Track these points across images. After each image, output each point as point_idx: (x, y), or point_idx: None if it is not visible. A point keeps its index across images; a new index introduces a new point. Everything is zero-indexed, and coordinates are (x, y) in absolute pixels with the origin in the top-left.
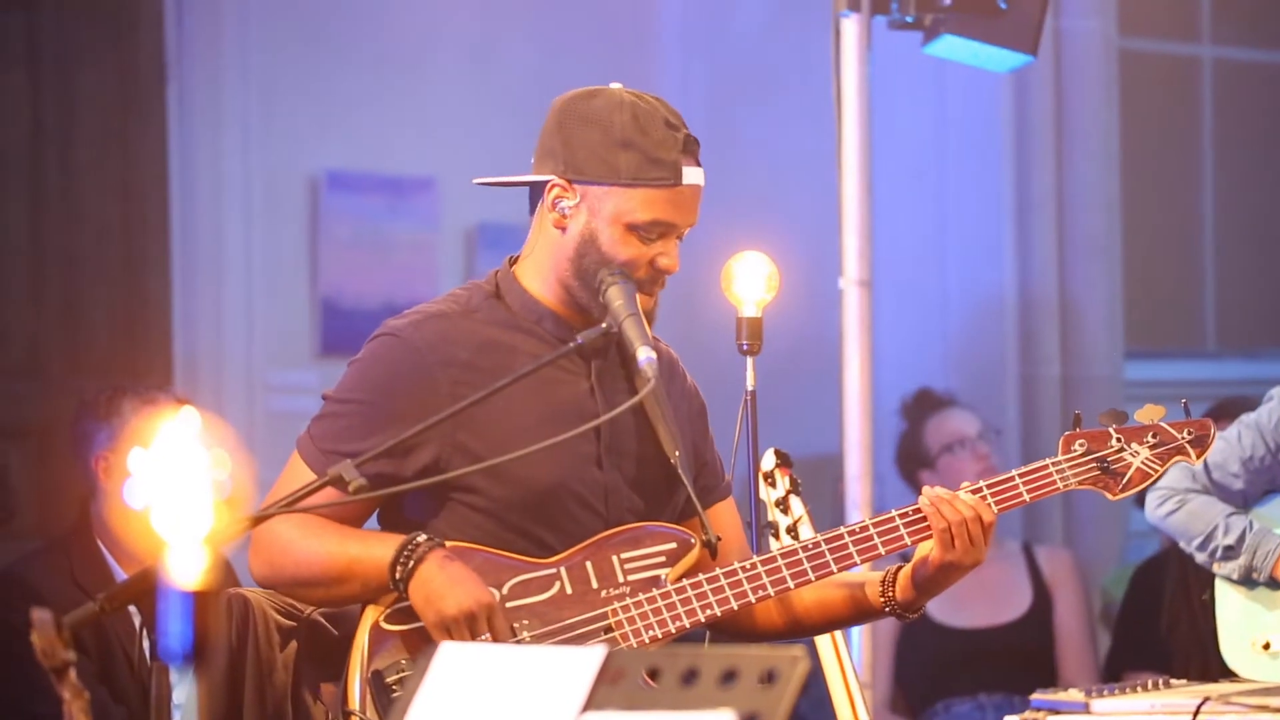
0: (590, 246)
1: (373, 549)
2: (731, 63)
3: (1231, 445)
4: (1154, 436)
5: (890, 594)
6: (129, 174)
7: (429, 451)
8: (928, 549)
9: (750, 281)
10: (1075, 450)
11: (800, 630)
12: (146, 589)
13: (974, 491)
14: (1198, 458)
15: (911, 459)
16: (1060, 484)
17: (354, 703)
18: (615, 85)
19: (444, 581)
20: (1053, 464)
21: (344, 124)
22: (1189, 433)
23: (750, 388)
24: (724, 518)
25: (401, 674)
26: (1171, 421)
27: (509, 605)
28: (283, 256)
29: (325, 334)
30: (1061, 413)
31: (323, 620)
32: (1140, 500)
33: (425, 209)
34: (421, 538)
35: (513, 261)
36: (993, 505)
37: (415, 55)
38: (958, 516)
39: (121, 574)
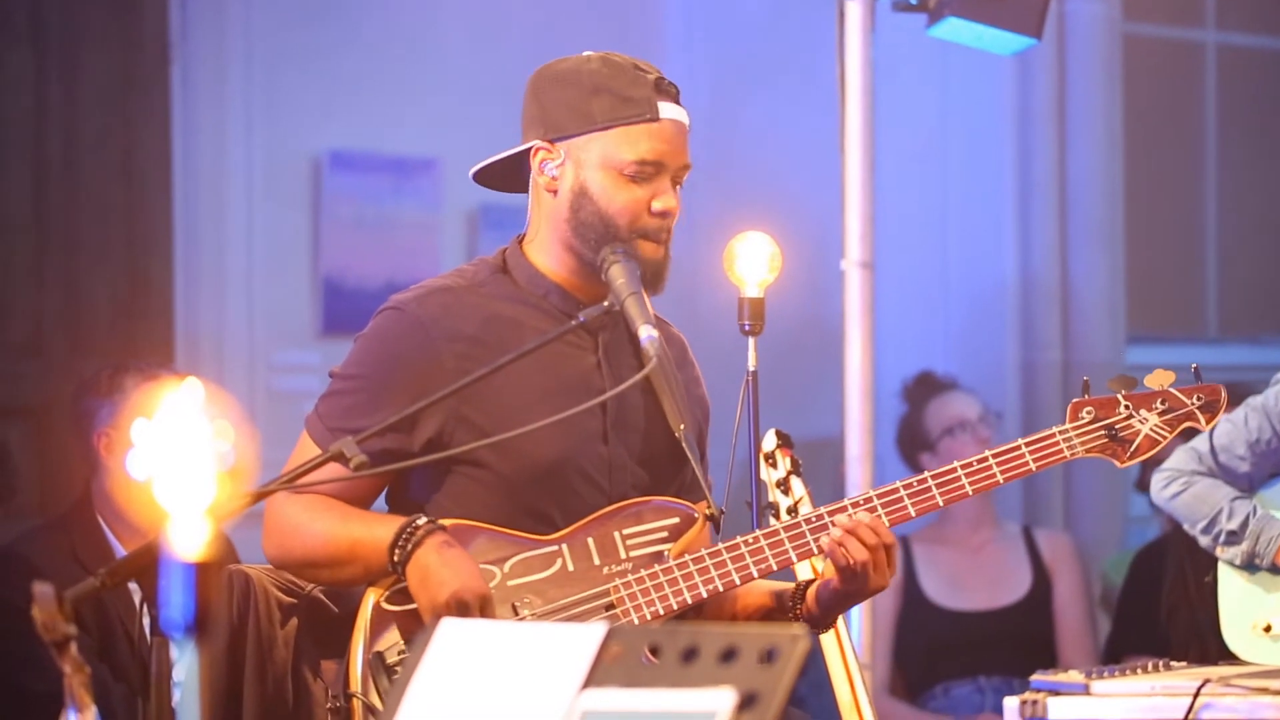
0: (583, 199)
1: (374, 531)
2: (736, 44)
3: (1238, 428)
4: (1163, 403)
5: (798, 610)
6: (131, 153)
7: (432, 424)
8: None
9: (753, 262)
10: (1083, 418)
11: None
12: (147, 564)
13: (867, 506)
14: (1207, 424)
15: (912, 441)
16: (1067, 452)
17: (356, 684)
18: (586, 53)
19: (440, 567)
20: (1060, 432)
21: (347, 104)
22: (1199, 398)
23: (752, 368)
24: (701, 504)
25: (403, 655)
26: (1181, 387)
27: (510, 584)
28: (285, 236)
29: (327, 314)
30: (1062, 398)
31: (323, 598)
32: (1143, 483)
33: (428, 189)
34: (421, 520)
35: (521, 240)
36: (885, 521)
37: (418, 36)
38: (863, 554)
39: (122, 551)
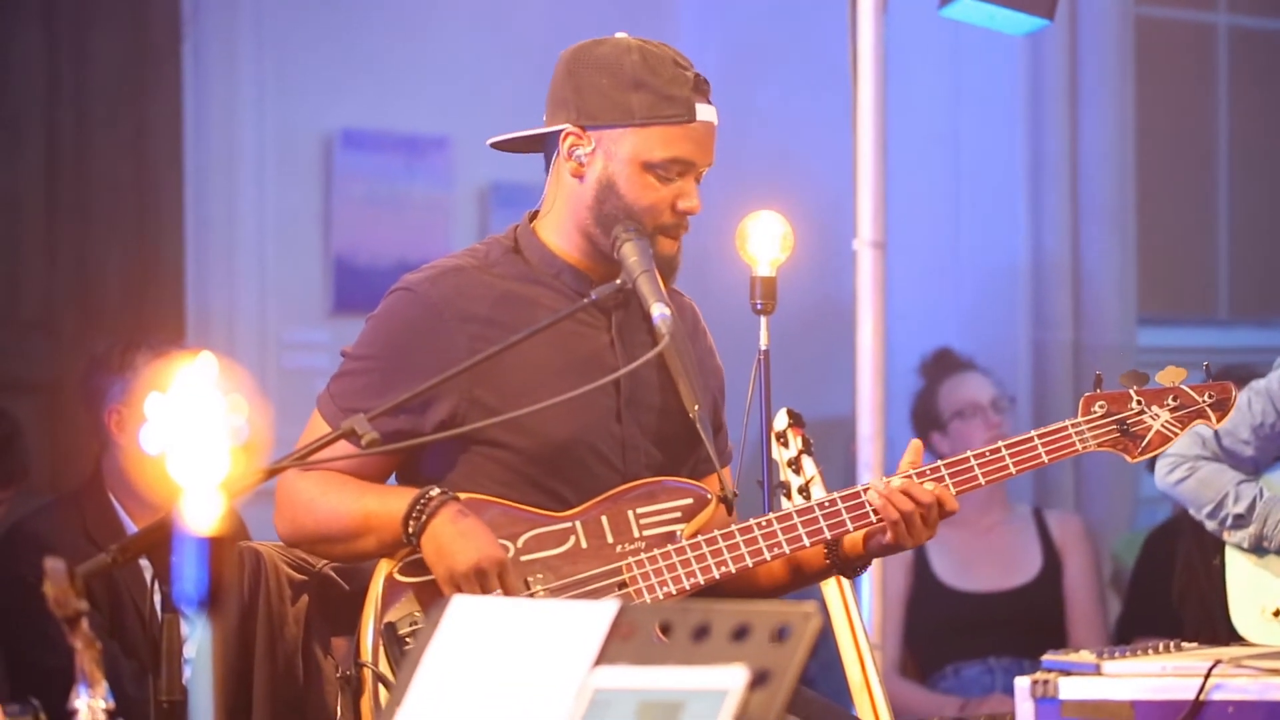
0: (609, 192)
1: (388, 503)
2: (748, 23)
3: (1242, 412)
4: (1174, 399)
5: (835, 554)
6: (143, 132)
7: (446, 405)
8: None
9: (765, 241)
10: (1095, 412)
11: (757, 593)
12: (159, 540)
13: (934, 476)
14: (1218, 421)
15: (925, 419)
16: (1079, 445)
17: (367, 654)
18: (620, 34)
19: (456, 536)
20: (1072, 425)
21: (358, 82)
22: (1210, 396)
23: (764, 347)
24: (714, 485)
25: (415, 626)
26: (1192, 384)
27: (523, 559)
28: (296, 215)
29: (338, 292)
30: (1073, 379)
31: (334, 575)
32: (1151, 466)
33: (439, 168)
34: (435, 491)
35: (532, 217)
36: (953, 489)
37: (430, 14)
38: (909, 507)
39: (133, 528)
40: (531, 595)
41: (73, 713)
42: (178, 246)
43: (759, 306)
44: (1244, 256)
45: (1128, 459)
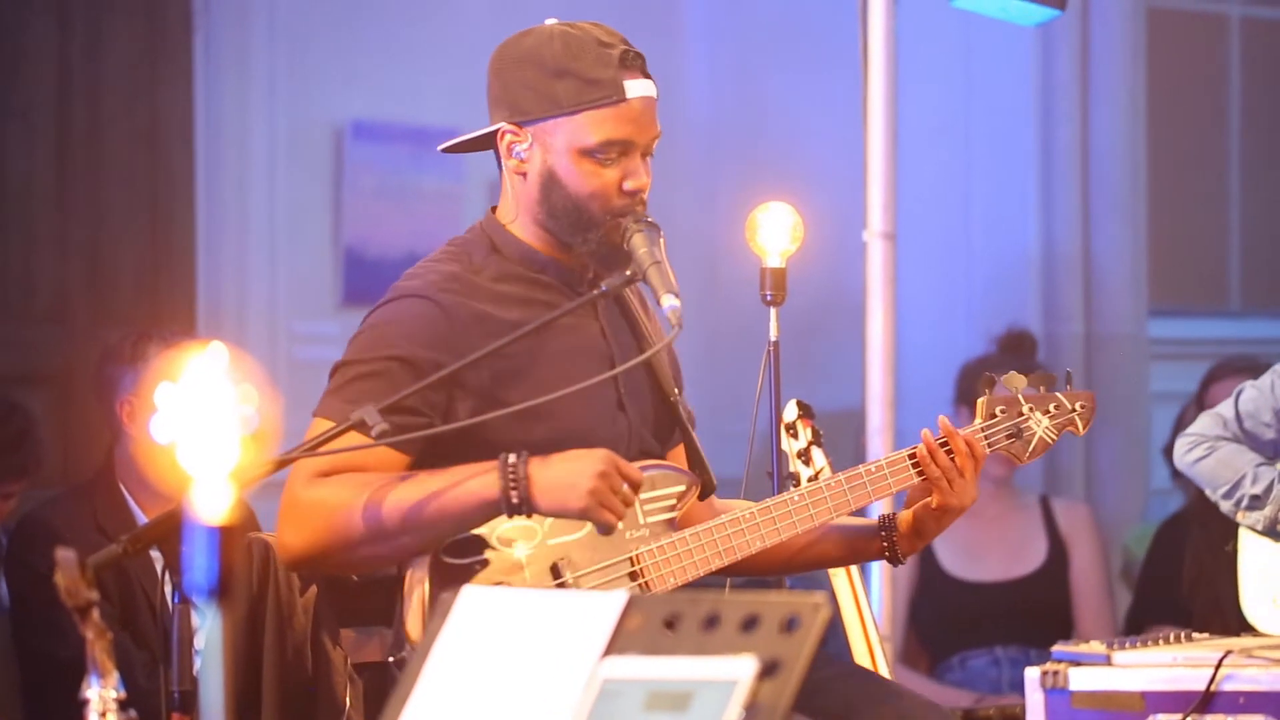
0: (553, 184)
1: (464, 484)
2: (759, 14)
3: (1264, 394)
4: (1054, 406)
5: (890, 540)
6: (155, 123)
7: (464, 409)
8: (919, 497)
9: (775, 232)
10: (996, 415)
11: (789, 569)
12: (170, 531)
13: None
14: (1084, 429)
15: (968, 389)
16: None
17: (418, 636)
18: (550, 21)
19: (560, 470)
20: (981, 429)
21: (369, 74)
22: (1080, 405)
23: (773, 338)
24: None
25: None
26: (1066, 393)
27: (550, 543)
28: (307, 206)
29: (348, 284)
30: (1084, 371)
31: None
32: (1168, 453)
33: (449, 160)
34: (512, 458)
35: (495, 213)
36: (984, 443)
37: (441, 5)
38: (945, 462)
39: (144, 519)
40: (562, 584)
41: (84, 703)
42: (189, 238)
43: (769, 297)
44: (1255, 248)
45: (1017, 462)
